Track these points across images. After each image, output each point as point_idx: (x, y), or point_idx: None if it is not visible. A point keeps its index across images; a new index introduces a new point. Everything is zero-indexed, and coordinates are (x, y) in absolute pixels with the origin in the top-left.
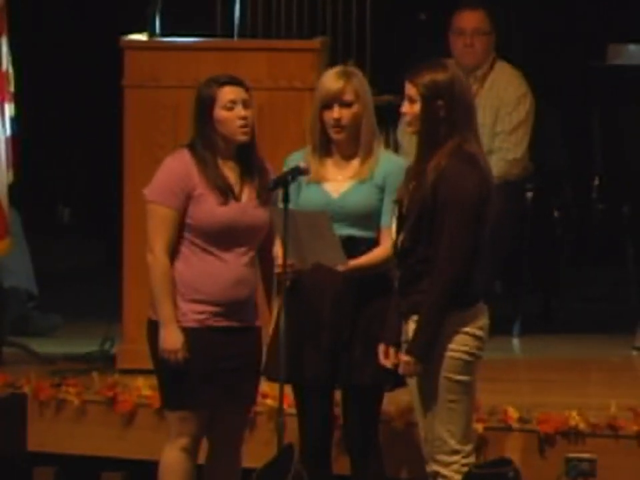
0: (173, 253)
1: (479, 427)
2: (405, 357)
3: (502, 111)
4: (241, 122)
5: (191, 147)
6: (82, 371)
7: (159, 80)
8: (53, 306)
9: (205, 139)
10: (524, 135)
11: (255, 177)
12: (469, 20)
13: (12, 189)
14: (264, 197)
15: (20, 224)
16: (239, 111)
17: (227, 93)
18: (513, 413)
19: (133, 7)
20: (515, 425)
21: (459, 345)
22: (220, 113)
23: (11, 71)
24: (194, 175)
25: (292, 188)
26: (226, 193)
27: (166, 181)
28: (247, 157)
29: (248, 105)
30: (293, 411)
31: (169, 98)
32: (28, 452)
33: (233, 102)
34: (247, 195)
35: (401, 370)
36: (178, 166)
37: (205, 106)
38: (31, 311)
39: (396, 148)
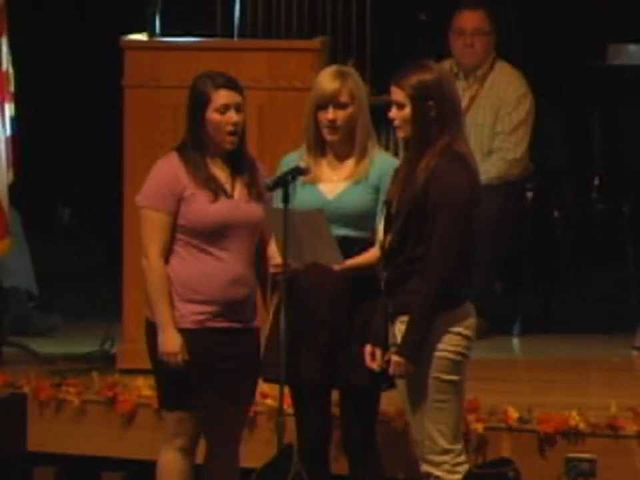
0: (170, 255)
1: (479, 427)
2: (395, 358)
3: (502, 111)
4: (230, 128)
5: (180, 149)
6: (82, 370)
7: (159, 80)
8: (53, 306)
9: (196, 138)
10: (524, 134)
11: (245, 173)
12: (469, 20)
13: (12, 189)
14: (255, 193)
15: (20, 224)
16: (231, 115)
17: (222, 97)
18: (512, 413)
19: (133, 6)
20: (515, 425)
21: (447, 345)
22: (212, 115)
23: (11, 71)
24: (183, 177)
25: (291, 189)
26: (216, 190)
27: (156, 185)
28: (236, 157)
29: (240, 109)
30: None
31: (169, 98)
32: (28, 452)
33: (226, 106)
34: (239, 191)
35: (391, 371)
36: (167, 169)
37: (198, 104)
38: (30, 311)
39: (396, 148)
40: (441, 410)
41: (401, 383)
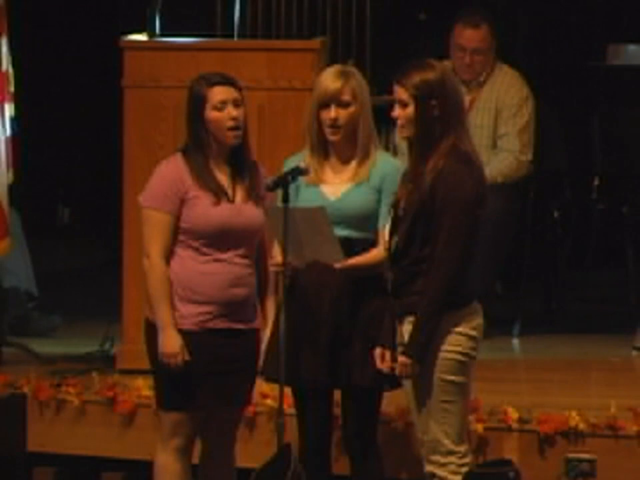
0: (170, 256)
1: (479, 427)
2: (401, 358)
3: (505, 113)
4: (231, 123)
5: (184, 151)
6: (82, 371)
7: (158, 80)
8: (53, 306)
9: (197, 140)
10: (529, 136)
11: (246, 177)
12: (470, 39)
13: (12, 189)
14: (255, 197)
15: (20, 224)
16: (230, 111)
17: (217, 93)
18: (512, 413)
19: (132, 6)
20: (515, 425)
21: (452, 346)
22: (211, 113)
23: (11, 71)
24: (186, 179)
25: (291, 189)
26: (219, 194)
27: (159, 186)
28: (239, 157)
29: (239, 104)
30: (293, 411)
31: (169, 98)
32: (28, 452)
33: (224, 102)
34: (240, 195)
35: (397, 371)
36: (171, 171)
37: (196, 105)
38: (30, 311)
39: (395, 149)
40: (446, 411)
41: (407, 383)
